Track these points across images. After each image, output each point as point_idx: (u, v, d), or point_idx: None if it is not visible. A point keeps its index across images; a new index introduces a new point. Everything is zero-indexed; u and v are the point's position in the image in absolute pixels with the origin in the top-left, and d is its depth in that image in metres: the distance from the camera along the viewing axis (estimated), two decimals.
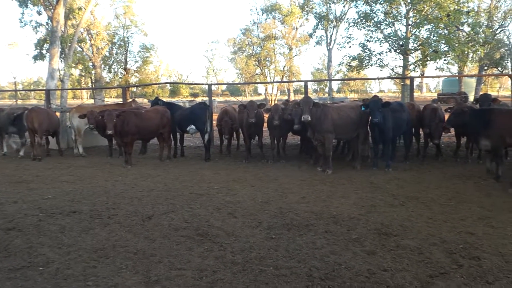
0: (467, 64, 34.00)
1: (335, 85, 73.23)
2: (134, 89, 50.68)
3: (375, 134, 8.47)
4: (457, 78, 37.39)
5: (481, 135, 7.21)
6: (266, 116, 10.22)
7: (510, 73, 32.24)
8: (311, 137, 8.42)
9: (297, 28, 41.59)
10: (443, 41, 15.71)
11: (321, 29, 38.33)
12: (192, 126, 9.94)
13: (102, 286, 3.64)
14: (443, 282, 3.60)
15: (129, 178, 8.11)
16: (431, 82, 73.35)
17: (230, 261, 4.09)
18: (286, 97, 39.04)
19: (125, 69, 38.21)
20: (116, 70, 39.27)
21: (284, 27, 40.92)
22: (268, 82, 40.18)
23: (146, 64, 39.94)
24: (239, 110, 9.94)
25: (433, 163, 9.24)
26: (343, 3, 28.75)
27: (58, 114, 12.87)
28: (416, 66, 17.81)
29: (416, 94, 61.96)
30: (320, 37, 39.10)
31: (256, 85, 68.10)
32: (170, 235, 4.85)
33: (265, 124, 10.03)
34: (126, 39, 38.32)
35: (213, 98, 14.48)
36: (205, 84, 17.46)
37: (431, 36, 16.28)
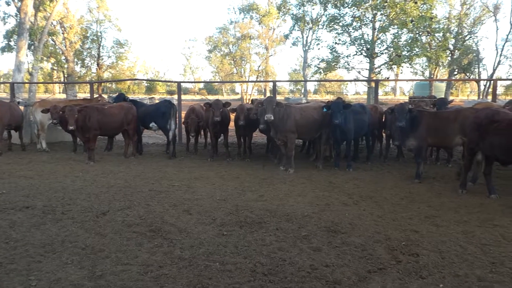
0: (439, 68, 35.04)
1: (311, 86, 74.10)
2: (109, 85, 50.04)
3: (336, 135, 8.65)
4: (428, 82, 38.41)
5: (409, 135, 7.54)
6: (233, 115, 10.29)
7: (477, 78, 33.37)
8: (274, 136, 8.55)
9: (274, 29, 41.89)
10: (407, 46, 16.20)
11: (297, 30, 38.72)
12: (154, 123, 10.00)
13: (44, 281, 3.63)
14: (379, 277, 3.75)
15: (90, 174, 8.03)
16: (405, 86, 75.03)
17: (177, 257, 4.14)
18: (262, 97, 39.26)
19: (98, 64, 37.61)
20: (89, 64, 38.63)
21: (262, 27, 41.14)
22: (236, 82, 40.53)
23: (121, 59, 39.42)
24: (206, 109, 9.96)
25: (394, 164, 9.51)
26: (312, 5, 29.13)
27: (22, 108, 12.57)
28: (381, 69, 18.31)
29: (390, 96, 63.49)
30: (297, 38, 39.51)
31: (233, 84, 68.15)
32: (122, 231, 4.86)
33: (232, 123, 10.09)
34: (99, 33, 37.71)
35: (183, 96, 14.43)
36: (175, 82, 17.39)
37: (396, 41, 16.76)
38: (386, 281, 3.66)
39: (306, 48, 39.28)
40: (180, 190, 6.87)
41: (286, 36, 38.99)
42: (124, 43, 39.02)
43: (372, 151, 10.02)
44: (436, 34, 21.12)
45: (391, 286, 3.58)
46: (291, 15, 38.27)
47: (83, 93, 49.27)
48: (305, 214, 5.56)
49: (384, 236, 4.75)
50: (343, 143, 9.01)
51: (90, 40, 37.54)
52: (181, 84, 14.48)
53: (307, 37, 39.27)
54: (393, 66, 17.66)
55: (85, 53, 37.92)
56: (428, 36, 21.58)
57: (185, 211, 5.65)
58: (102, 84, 37.55)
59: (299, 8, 34.85)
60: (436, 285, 3.60)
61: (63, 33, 34.22)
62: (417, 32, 18.41)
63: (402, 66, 18.07)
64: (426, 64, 33.07)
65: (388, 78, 20.57)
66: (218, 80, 45.78)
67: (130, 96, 12.74)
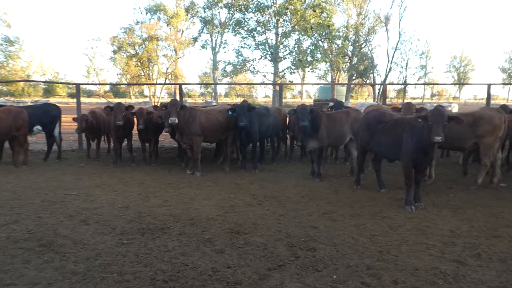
0: (340, 73, 37.56)
1: (222, 89, 74.63)
2: None
3: (242, 137, 8.79)
4: (330, 86, 40.94)
5: (310, 136, 7.85)
6: None
7: (372, 82, 36.36)
8: (180, 140, 8.43)
9: (183, 31, 41.35)
10: (309, 52, 17.12)
11: (206, 33, 38.72)
12: (39, 127, 9.43)
13: None
14: (279, 273, 3.88)
15: None
16: (311, 89, 78.93)
17: (70, 271, 3.86)
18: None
19: None
20: None
21: (170, 29, 40.38)
22: (139, 84, 39.32)
23: (12, 59, 35.82)
24: (107, 112, 9.46)
25: (298, 164, 9.93)
26: (218, 9, 29.44)
27: None
28: (284, 73, 19.14)
29: (297, 99, 66.50)
30: (206, 41, 39.46)
31: (142, 87, 65.82)
32: (5, 248, 4.39)
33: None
34: None
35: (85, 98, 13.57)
36: (73, 84, 16.28)
37: (297, 46, 17.64)
38: (285, 277, 3.80)
39: (216, 51, 39.43)
40: (77, 199, 6.43)
41: (195, 39, 38.76)
42: (15, 40, 35.55)
43: (277, 152, 10.37)
44: (336, 41, 22.61)
45: (289, 281, 3.72)
46: (200, 18, 38.20)
47: None
48: (210, 217, 5.55)
49: (285, 234, 4.92)
50: (249, 145, 9.19)
51: None
52: (85, 86, 13.61)
53: (216, 40, 39.45)
54: (295, 70, 18.57)
55: None
56: (329, 43, 23.04)
57: (82, 222, 5.30)
58: None
59: (205, 11, 34.93)
60: (330, 276, 3.82)
61: None
62: (320, 39, 19.52)
63: (304, 71, 19.12)
64: (328, 69, 35.35)
65: (292, 81, 21.59)
66: (125, 83, 43.81)
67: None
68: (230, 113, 8.47)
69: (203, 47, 39.91)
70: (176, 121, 7.79)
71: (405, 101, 31.87)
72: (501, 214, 5.76)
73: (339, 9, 29.35)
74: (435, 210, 6.00)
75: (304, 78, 48.91)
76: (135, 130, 9.67)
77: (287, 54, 17.87)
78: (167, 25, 40.07)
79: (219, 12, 33.98)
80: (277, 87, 14.98)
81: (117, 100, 32.70)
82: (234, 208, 6.01)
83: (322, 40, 21.23)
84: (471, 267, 4.01)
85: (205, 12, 33.73)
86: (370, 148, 7.05)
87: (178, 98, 14.85)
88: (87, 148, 10.60)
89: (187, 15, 39.50)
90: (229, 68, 19.32)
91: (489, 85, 12.78)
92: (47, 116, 9.85)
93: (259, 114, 8.96)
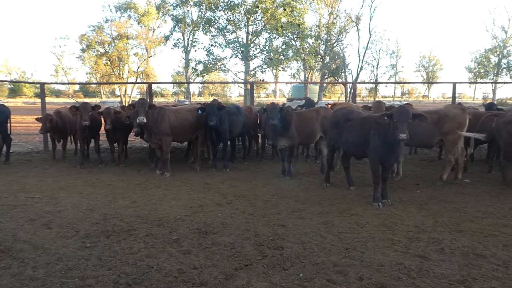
0: (313, 72, 37.86)
1: (195, 88, 74.07)
2: None
3: (212, 136, 8.72)
4: (303, 85, 41.20)
5: (280, 135, 7.86)
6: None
7: (344, 81, 36.84)
8: (148, 140, 8.28)
9: (154, 29, 40.75)
10: (281, 51, 17.19)
11: (178, 31, 38.23)
12: None
13: None
14: (245, 273, 3.84)
15: None
16: (284, 88, 79.28)
17: (28, 277, 3.71)
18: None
19: None
20: None
21: (141, 27, 39.72)
22: (106, 83, 38.64)
23: None
24: (73, 112, 9.19)
25: (269, 163, 9.92)
26: (187, 7, 29.11)
27: None
28: (255, 72, 19.17)
29: (271, 98, 66.75)
30: (178, 39, 38.96)
31: (113, 86, 64.54)
32: None
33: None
34: None
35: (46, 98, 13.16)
36: (37, 83, 15.77)
37: (268, 44, 17.68)
38: (251, 277, 3.76)
39: (188, 49, 39.01)
40: (40, 202, 6.21)
41: (167, 38, 38.22)
42: None
43: (248, 151, 10.33)
44: (308, 40, 22.76)
45: (256, 280, 3.69)
46: (171, 16, 37.69)
47: None
48: (178, 217, 5.46)
49: (253, 233, 4.89)
50: (219, 144, 9.12)
51: None
52: (53, 86, 13.23)
53: (188, 39, 39.01)
54: (267, 69, 18.67)
55: None
56: (300, 42, 23.17)
57: (44, 225, 5.11)
58: None
59: (174, 9, 34.47)
60: (297, 274, 3.82)
61: None
62: (292, 37, 19.57)
63: (277, 69, 19.25)
64: (301, 67, 35.60)
65: (263, 80, 21.66)
66: (94, 82, 42.77)
67: None
68: (200, 112, 8.39)
69: (175, 45, 39.39)
70: (145, 120, 7.64)
71: (376, 99, 32.48)
72: (465, 209, 5.92)
73: (311, 9, 29.68)
74: (402, 206, 6.10)
75: (277, 77, 49.20)
76: (102, 131, 9.44)
77: (258, 53, 17.96)
78: (138, 23, 39.43)
79: (189, 10, 33.63)
80: (249, 86, 14.94)
81: (86, 100, 31.92)
82: (203, 208, 5.94)
83: (294, 39, 21.34)
84: (434, 262, 4.09)
85: (174, 9, 33.28)
86: (339, 146, 7.12)
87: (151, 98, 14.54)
88: (53, 149, 10.27)
89: (158, 13, 38.92)
90: (200, 67, 19.19)
91: (454, 84, 13.14)
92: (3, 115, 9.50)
93: (229, 113, 8.90)
